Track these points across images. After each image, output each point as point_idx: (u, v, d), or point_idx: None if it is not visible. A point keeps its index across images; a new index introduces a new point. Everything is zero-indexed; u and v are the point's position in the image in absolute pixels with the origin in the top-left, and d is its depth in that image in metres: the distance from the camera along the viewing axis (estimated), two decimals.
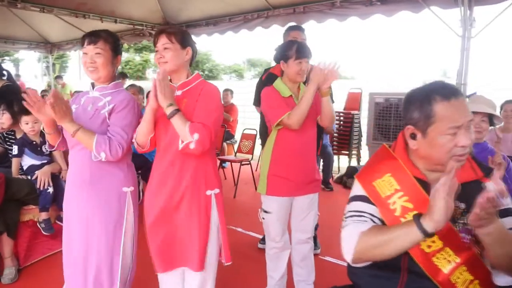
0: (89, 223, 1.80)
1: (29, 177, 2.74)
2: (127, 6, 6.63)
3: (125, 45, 25.76)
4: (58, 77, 10.31)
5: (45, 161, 2.83)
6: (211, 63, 32.72)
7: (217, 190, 1.82)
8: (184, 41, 1.77)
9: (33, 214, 2.76)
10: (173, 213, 1.78)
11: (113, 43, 1.84)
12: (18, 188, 2.62)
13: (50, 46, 10.06)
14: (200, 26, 6.79)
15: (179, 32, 1.78)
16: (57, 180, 2.83)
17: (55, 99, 1.60)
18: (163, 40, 1.73)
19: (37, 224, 2.75)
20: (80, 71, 14.45)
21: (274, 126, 2.22)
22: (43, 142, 2.84)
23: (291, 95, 2.21)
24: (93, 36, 1.80)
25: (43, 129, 2.92)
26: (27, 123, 2.73)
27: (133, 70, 27.40)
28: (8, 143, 2.91)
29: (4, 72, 4.09)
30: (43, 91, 9.08)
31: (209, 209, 1.79)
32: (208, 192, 1.79)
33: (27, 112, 2.69)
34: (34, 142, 2.80)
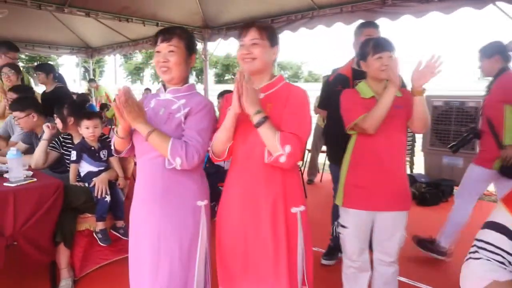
0: (161, 241, 1.62)
1: (86, 185, 2.64)
2: (168, 9, 6.61)
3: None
4: (91, 81, 10.48)
5: (102, 168, 2.71)
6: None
7: (302, 208, 1.61)
8: (274, 39, 1.59)
9: (89, 223, 2.65)
10: (254, 232, 1.59)
11: (187, 40, 1.67)
12: (75, 196, 2.51)
13: (90, 51, 10.26)
14: (240, 28, 6.65)
15: (270, 28, 1.60)
16: (114, 187, 2.71)
17: (126, 97, 1.44)
18: (253, 35, 1.54)
19: (94, 234, 2.63)
20: (115, 75, 14.63)
21: (349, 130, 2.00)
22: (101, 147, 2.73)
23: (373, 96, 1.97)
24: (167, 33, 1.64)
25: (101, 135, 2.84)
26: (87, 128, 2.63)
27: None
28: (64, 147, 2.82)
29: (57, 75, 4.10)
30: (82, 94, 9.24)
31: (296, 229, 1.58)
32: (294, 210, 1.58)
33: (89, 116, 2.61)
34: (93, 148, 2.69)
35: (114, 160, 2.79)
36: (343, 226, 2.06)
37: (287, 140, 1.44)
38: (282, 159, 1.44)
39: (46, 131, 2.70)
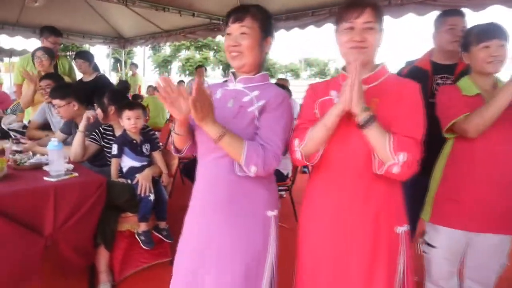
0: (222, 257, 1.37)
1: (128, 181, 2.41)
2: None
3: (187, 43, 26.40)
4: (133, 64, 10.38)
5: (145, 163, 2.48)
6: (268, 62, 32.58)
7: (406, 227, 1.32)
8: (383, 22, 1.31)
9: (131, 223, 2.43)
10: (346, 256, 1.31)
11: (263, 20, 1.40)
12: (118, 193, 2.28)
13: (123, 41, 10.20)
14: (279, 20, 6.37)
15: (381, 9, 1.31)
16: (157, 185, 2.48)
17: (198, 93, 1.18)
18: (367, 17, 1.25)
19: (135, 235, 2.41)
20: (144, 67, 14.57)
21: (446, 132, 1.67)
22: (144, 141, 2.50)
23: (479, 94, 1.64)
24: (239, 12, 1.38)
25: (144, 127, 2.62)
26: (128, 119, 2.40)
27: (193, 67, 27.91)
28: (105, 139, 2.62)
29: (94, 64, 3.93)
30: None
31: (396, 253, 1.30)
32: (398, 230, 1.29)
33: (130, 106, 2.38)
34: (135, 141, 2.46)
35: (157, 155, 2.56)
36: (429, 245, 1.75)
37: (402, 146, 1.16)
38: (395, 169, 1.16)
39: (83, 122, 2.48)
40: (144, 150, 2.48)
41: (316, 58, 42.47)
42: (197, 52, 29.20)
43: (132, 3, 5.96)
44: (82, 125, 2.48)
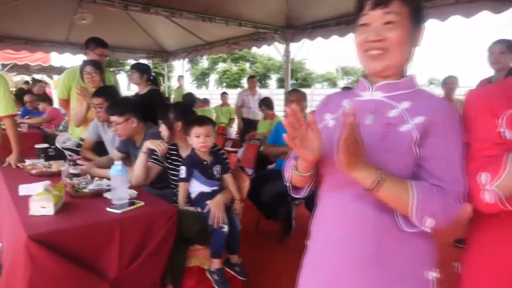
0: None
1: (198, 209, 2.08)
2: (252, 8, 6.15)
3: (224, 56, 26.55)
4: (180, 77, 10.34)
5: (216, 188, 2.15)
6: (304, 71, 32.25)
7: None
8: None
9: (199, 258, 2.08)
10: None
11: (415, 3, 1.01)
12: (188, 224, 1.95)
13: (166, 55, 10.25)
14: (329, 26, 6.00)
15: None
16: (229, 213, 2.13)
17: (351, 131, 0.82)
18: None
19: (206, 273, 2.06)
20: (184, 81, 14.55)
21: None
22: (214, 162, 2.17)
23: None
24: None
25: (213, 145, 2.30)
26: (198, 136, 2.08)
27: (230, 80, 28.09)
28: (168, 160, 2.31)
29: (151, 77, 3.70)
30: None
31: None
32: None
33: (200, 122, 2.06)
34: (205, 162, 2.13)
35: (229, 178, 2.22)
36: None
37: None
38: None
39: (150, 145, 2.18)
40: (215, 173, 2.15)
41: (353, 67, 41.69)
42: (234, 64, 29.29)
43: (179, 15, 5.80)
44: (146, 147, 2.18)
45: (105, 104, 2.72)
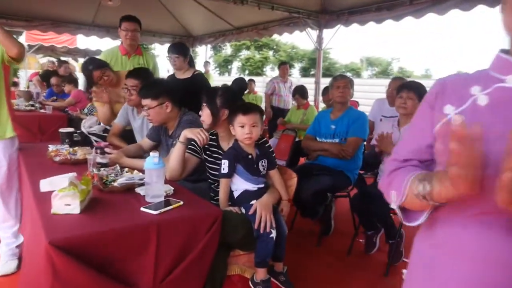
0: None
1: (243, 210, 1.80)
2: None
3: (247, 43, 26.14)
4: (206, 62, 10.06)
5: (262, 186, 1.86)
6: (328, 61, 31.60)
7: None
8: None
9: (241, 266, 1.81)
10: None
11: None
12: (233, 229, 1.67)
13: (192, 40, 10.00)
14: (367, 12, 5.57)
15: None
16: (276, 215, 1.84)
17: None
18: None
19: (250, 283, 1.78)
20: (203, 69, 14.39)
21: None
22: (260, 155, 1.88)
23: None
24: None
25: (260, 137, 2.01)
26: (242, 126, 1.79)
27: (252, 67, 27.69)
28: (207, 152, 2.03)
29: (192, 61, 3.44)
30: None
31: None
32: None
33: (245, 110, 1.77)
34: (250, 156, 1.85)
35: (276, 175, 1.93)
36: None
37: None
38: None
39: (188, 134, 1.91)
40: (261, 168, 1.86)
41: (378, 57, 40.60)
42: (257, 52, 28.84)
43: None
44: (184, 136, 1.91)
45: (140, 87, 2.47)
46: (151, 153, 1.57)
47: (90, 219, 1.38)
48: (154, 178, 1.57)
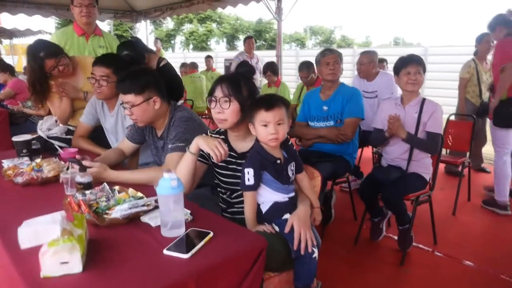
0: None
1: (276, 228, 1.48)
2: None
3: (190, 15, 24.83)
4: (157, 39, 9.25)
5: (292, 194, 1.55)
6: (273, 32, 31.28)
7: None
8: None
9: None
10: None
11: None
12: (272, 254, 1.34)
13: (135, 15, 9.21)
14: None
15: None
16: (312, 228, 1.55)
17: None
18: None
19: None
20: (147, 43, 13.56)
21: None
22: (289, 158, 1.55)
23: None
24: None
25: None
26: (265, 125, 1.45)
27: (197, 41, 26.61)
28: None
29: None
30: None
31: None
32: None
33: (268, 105, 1.43)
34: (278, 161, 1.51)
35: (305, 179, 1.62)
36: None
37: None
38: None
39: (202, 146, 1.49)
40: (290, 174, 1.54)
41: (321, 26, 41.06)
42: (200, 25, 27.63)
43: None
44: (195, 147, 1.51)
45: (112, 78, 2.00)
46: (165, 174, 1.18)
47: (99, 280, 0.98)
48: (171, 205, 1.19)
